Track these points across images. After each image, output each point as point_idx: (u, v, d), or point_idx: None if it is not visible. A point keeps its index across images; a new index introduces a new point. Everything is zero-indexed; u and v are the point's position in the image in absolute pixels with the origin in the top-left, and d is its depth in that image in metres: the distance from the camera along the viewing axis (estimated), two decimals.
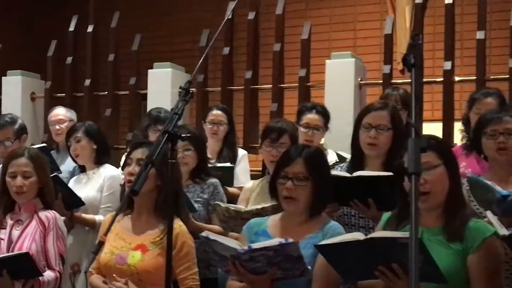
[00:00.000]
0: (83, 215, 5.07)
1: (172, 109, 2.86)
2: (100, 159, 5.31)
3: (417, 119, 2.25)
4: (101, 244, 2.91)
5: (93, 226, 5.04)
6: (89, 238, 5.08)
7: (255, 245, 3.25)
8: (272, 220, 3.62)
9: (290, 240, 3.18)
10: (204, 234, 3.40)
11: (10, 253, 4.05)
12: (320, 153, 3.70)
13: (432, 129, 5.80)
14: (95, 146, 5.28)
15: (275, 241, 3.23)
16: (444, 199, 3.14)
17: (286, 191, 3.47)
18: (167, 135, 2.78)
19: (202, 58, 3.04)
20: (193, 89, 3.03)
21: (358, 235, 3.06)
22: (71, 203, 4.99)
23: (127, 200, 3.73)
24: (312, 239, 3.40)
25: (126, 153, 6.03)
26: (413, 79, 2.29)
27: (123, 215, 3.85)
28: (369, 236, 3.02)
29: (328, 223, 3.53)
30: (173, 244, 3.57)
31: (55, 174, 4.97)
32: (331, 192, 3.59)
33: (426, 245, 2.86)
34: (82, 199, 5.05)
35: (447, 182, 3.13)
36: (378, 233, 3.08)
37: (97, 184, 5.17)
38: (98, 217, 5.05)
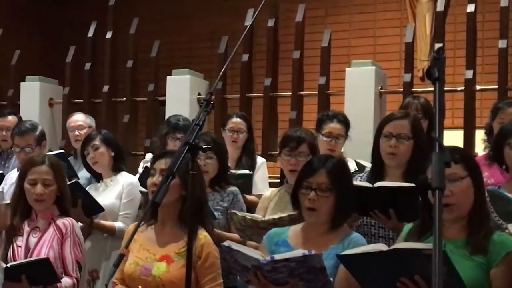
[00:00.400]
0: (103, 221, 5.06)
1: (193, 120, 2.84)
2: (117, 167, 5.31)
3: (440, 133, 2.22)
4: (122, 256, 2.88)
5: (113, 233, 5.05)
6: (107, 245, 5.09)
7: (277, 256, 3.23)
8: (293, 230, 3.60)
9: (314, 251, 3.16)
10: (226, 243, 3.38)
11: (30, 259, 4.04)
12: (343, 164, 3.68)
13: (453, 136, 5.77)
14: (112, 154, 5.28)
15: (299, 252, 3.21)
16: (469, 211, 3.11)
17: (309, 202, 3.44)
18: (188, 146, 2.76)
19: (224, 68, 3.02)
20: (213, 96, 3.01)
21: (381, 246, 3.04)
22: (90, 209, 4.99)
23: (150, 211, 3.71)
24: (334, 250, 3.38)
25: (143, 160, 6.11)
26: (436, 93, 2.26)
27: (147, 226, 3.82)
28: (392, 247, 2.99)
29: (350, 234, 3.51)
30: (198, 255, 3.61)
31: (75, 180, 4.99)
32: (353, 203, 3.56)
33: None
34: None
35: (472, 194, 3.11)
36: (402, 244, 3.05)
37: (115, 192, 5.17)
38: (118, 224, 5.06)
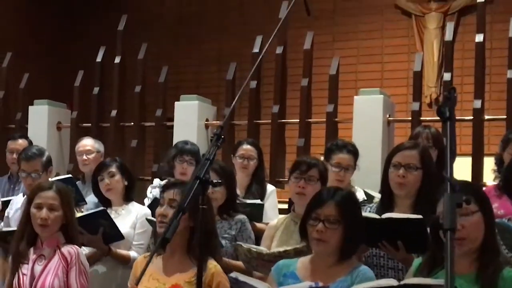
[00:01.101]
0: (119, 250, 5.05)
1: (203, 155, 2.85)
2: (128, 196, 5.31)
3: (451, 173, 2.23)
4: None
5: (127, 262, 5.01)
6: (119, 273, 5.06)
7: None
8: (302, 262, 3.59)
9: (320, 284, 3.17)
10: (233, 275, 3.40)
11: None
12: (352, 196, 3.68)
13: (460, 163, 5.74)
14: (126, 183, 5.29)
15: (305, 284, 3.22)
16: (479, 245, 3.10)
17: (317, 233, 3.44)
18: (198, 181, 2.75)
19: (234, 103, 3.02)
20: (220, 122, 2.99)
21: (392, 281, 3.07)
22: (110, 237, 4.99)
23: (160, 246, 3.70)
24: (342, 283, 3.39)
25: (151, 185, 6.11)
26: (448, 133, 2.27)
27: (156, 256, 3.81)
28: (403, 282, 3.01)
29: (358, 267, 3.50)
30: (208, 283, 3.62)
31: (103, 208, 5.03)
32: (363, 235, 3.55)
33: None
34: None
35: (483, 229, 3.10)
36: (412, 280, 3.06)
37: (129, 221, 5.15)
38: (132, 254, 5.04)
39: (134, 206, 5.28)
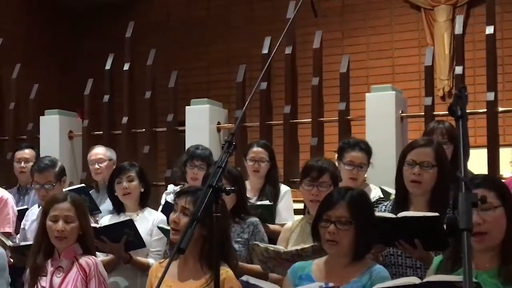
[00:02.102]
0: (139, 258, 5.04)
1: (215, 162, 2.82)
2: (143, 203, 5.30)
3: (466, 172, 2.20)
4: None
5: (147, 269, 4.99)
6: (137, 283, 5.05)
7: None
8: (316, 264, 3.58)
9: (331, 284, 3.19)
10: (244, 278, 3.42)
11: None
12: (363, 196, 3.65)
13: (476, 155, 5.71)
14: (142, 190, 5.27)
15: (315, 285, 3.24)
16: (500, 240, 3.06)
17: (329, 235, 3.43)
18: (211, 189, 2.73)
19: (244, 107, 2.99)
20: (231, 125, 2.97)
21: (414, 279, 3.03)
22: (132, 245, 4.98)
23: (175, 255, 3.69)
24: (357, 283, 3.38)
25: (165, 191, 6.10)
26: (460, 131, 2.23)
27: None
28: (425, 280, 2.98)
29: (372, 266, 3.49)
30: None
31: (130, 218, 5.00)
32: (375, 235, 3.53)
33: None
34: None
35: (505, 224, 3.05)
36: (435, 277, 3.04)
37: (146, 228, 5.14)
38: (151, 261, 5.03)
39: (150, 212, 5.27)
